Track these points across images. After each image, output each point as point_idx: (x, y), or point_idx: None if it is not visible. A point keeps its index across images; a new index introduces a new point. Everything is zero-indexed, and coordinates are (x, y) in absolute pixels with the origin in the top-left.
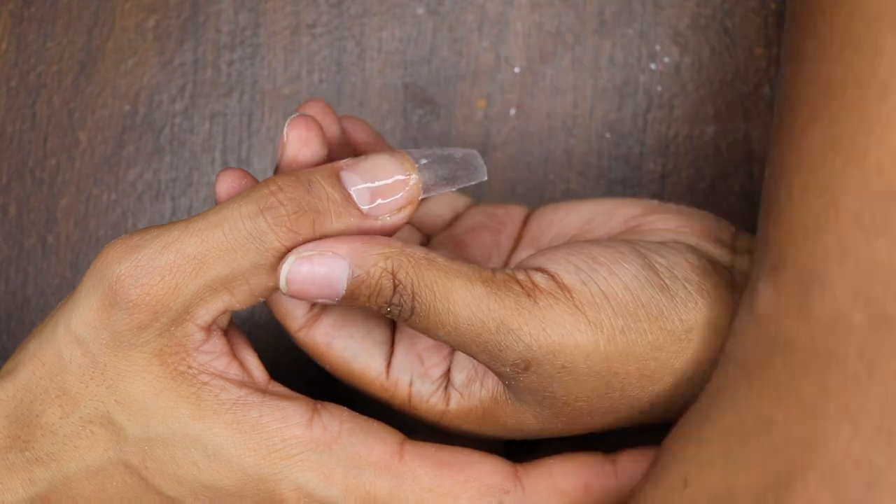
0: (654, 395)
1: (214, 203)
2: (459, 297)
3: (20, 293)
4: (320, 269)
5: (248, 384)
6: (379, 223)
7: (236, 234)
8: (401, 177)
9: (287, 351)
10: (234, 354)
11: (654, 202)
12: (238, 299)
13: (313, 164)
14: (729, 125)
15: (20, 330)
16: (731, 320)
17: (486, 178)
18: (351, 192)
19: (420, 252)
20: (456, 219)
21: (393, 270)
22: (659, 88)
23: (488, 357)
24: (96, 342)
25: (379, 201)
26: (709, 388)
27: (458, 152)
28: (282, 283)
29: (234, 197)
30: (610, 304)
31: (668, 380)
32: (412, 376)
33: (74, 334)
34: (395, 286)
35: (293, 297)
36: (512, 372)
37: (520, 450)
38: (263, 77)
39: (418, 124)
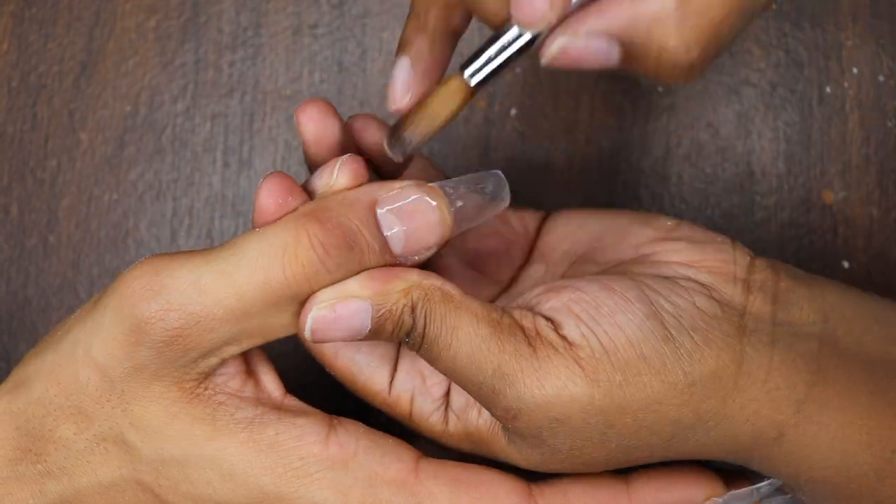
0: (651, 443)
1: (223, 205)
2: (464, 334)
3: (21, 293)
4: (343, 313)
5: (264, 402)
6: (407, 263)
7: (279, 294)
8: (436, 220)
9: (302, 364)
10: (250, 372)
11: (669, 223)
12: (269, 339)
13: (334, 145)
14: (730, 126)
15: (21, 330)
16: (737, 370)
17: (507, 205)
18: (387, 236)
19: (437, 283)
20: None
21: (413, 304)
22: (660, 89)
23: (483, 399)
24: (116, 370)
25: (412, 246)
26: None
27: (489, 184)
28: (307, 333)
29: (275, 244)
30: (610, 358)
31: (667, 430)
32: (414, 393)
33: (94, 360)
34: (414, 319)
35: (319, 342)
36: (502, 418)
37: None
38: (265, 77)
39: None
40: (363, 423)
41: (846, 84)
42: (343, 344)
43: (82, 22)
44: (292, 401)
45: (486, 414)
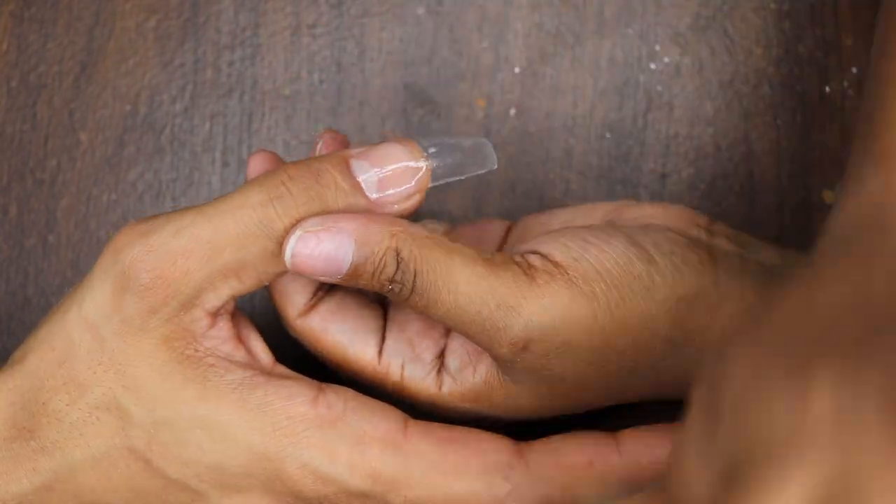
0: (646, 365)
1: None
2: (460, 274)
3: (21, 293)
4: (326, 244)
5: (254, 366)
6: (386, 211)
7: (247, 221)
8: (410, 164)
9: (290, 340)
10: (240, 339)
11: (631, 200)
12: (246, 285)
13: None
14: (729, 125)
15: (21, 330)
16: (715, 291)
17: (495, 167)
18: (360, 181)
19: (423, 232)
20: None
21: (397, 248)
22: (659, 88)
23: (487, 338)
24: (106, 327)
25: (389, 191)
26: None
27: (468, 141)
28: (287, 257)
29: (247, 183)
30: (603, 278)
31: (659, 349)
32: (404, 360)
33: (85, 318)
34: (398, 263)
35: (297, 271)
36: (510, 352)
37: (519, 431)
38: (264, 77)
39: (419, 124)
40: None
41: (846, 83)
42: (331, 317)
43: (82, 22)
44: (282, 368)
45: (481, 370)
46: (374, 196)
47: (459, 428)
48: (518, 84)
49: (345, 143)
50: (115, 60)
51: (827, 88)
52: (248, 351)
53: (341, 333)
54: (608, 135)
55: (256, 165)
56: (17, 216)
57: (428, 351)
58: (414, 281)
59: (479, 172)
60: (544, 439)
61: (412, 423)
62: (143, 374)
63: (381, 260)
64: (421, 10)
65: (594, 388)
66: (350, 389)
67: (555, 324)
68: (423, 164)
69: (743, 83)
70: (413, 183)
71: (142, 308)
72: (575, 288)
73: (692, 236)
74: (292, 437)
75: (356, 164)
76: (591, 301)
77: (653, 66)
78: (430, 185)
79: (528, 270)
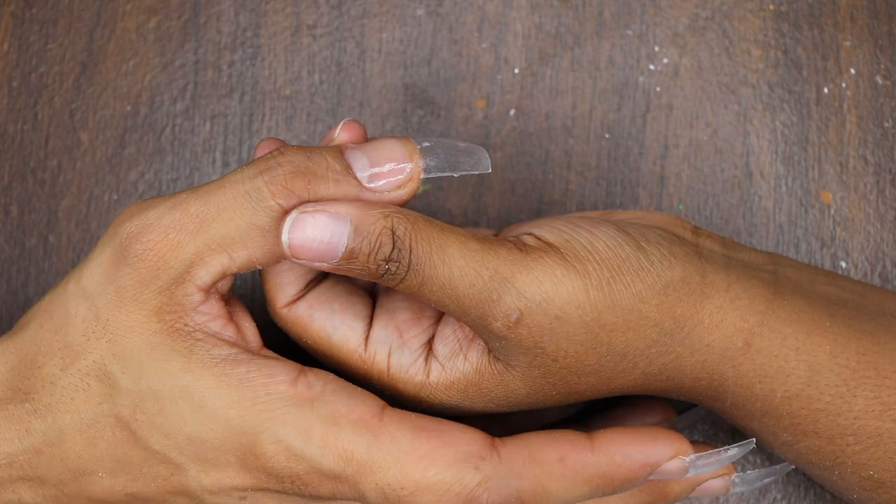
0: (636, 349)
1: None
2: (455, 249)
3: (22, 293)
4: (322, 226)
5: (241, 345)
6: (377, 197)
7: (235, 193)
8: (404, 156)
9: (282, 334)
10: (231, 318)
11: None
12: (237, 263)
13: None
14: (727, 126)
15: None
16: (702, 280)
17: (489, 171)
18: (351, 164)
19: (416, 213)
20: None
21: (392, 227)
22: (658, 89)
23: (481, 312)
24: (102, 297)
25: (381, 181)
26: None
27: (464, 143)
28: (284, 239)
29: (248, 165)
30: (594, 257)
31: (649, 333)
32: (391, 347)
33: (83, 289)
34: (394, 242)
35: (293, 255)
36: (503, 326)
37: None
38: (264, 78)
39: (418, 125)
40: None
41: (844, 84)
42: (318, 305)
43: (83, 22)
44: (267, 351)
45: (472, 357)
46: (366, 183)
47: (434, 418)
48: (517, 85)
49: (363, 136)
50: (116, 61)
51: (825, 89)
52: (238, 330)
53: (327, 320)
54: (607, 135)
55: (262, 151)
56: (18, 216)
57: (416, 339)
58: (410, 258)
59: (473, 173)
60: (517, 435)
61: (389, 409)
62: (132, 344)
63: (377, 240)
64: (421, 12)
65: (586, 374)
66: (332, 374)
67: (547, 296)
68: (416, 156)
69: (741, 84)
70: (405, 173)
71: (135, 279)
72: (568, 264)
73: (678, 234)
74: (269, 413)
75: (350, 153)
76: (583, 276)
77: (652, 66)
78: (422, 176)
79: (521, 247)
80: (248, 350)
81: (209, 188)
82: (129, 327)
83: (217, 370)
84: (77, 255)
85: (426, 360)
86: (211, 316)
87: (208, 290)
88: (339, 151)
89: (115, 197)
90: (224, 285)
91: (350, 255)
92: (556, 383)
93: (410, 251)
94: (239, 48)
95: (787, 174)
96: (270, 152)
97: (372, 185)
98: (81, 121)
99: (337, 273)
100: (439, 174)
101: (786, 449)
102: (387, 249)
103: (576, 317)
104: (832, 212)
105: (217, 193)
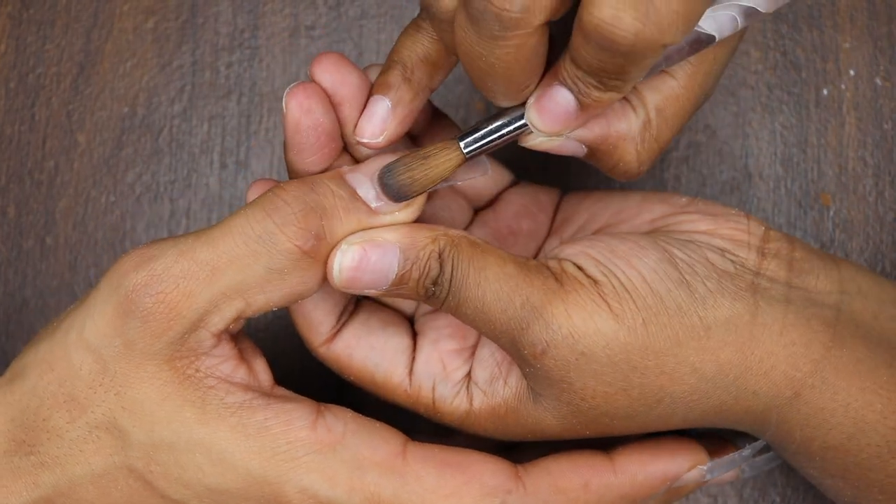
0: (673, 395)
1: (220, 207)
2: (492, 273)
3: (19, 295)
4: (372, 255)
5: (254, 388)
6: (388, 219)
7: (246, 238)
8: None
9: (294, 359)
10: (241, 359)
11: (684, 200)
12: (253, 307)
13: (319, 132)
14: (727, 127)
15: (19, 331)
16: (752, 321)
17: (489, 174)
18: (356, 187)
19: (460, 233)
20: (499, 195)
21: (440, 251)
22: None
23: (510, 339)
24: (108, 350)
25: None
26: None
27: None
28: (335, 272)
29: (244, 206)
30: (631, 296)
31: (687, 380)
32: (434, 381)
33: (86, 341)
34: (441, 265)
35: (345, 286)
36: (530, 355)
37: (514, 449)
38: (262, 79)
39: None
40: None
41: (843, 86)
42: (356, 343)
43: (80, 23)
44: (281, 390)
45: (512, 382)
46: (373, 204)
47: (458, 450)
48: None
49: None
50: (114, 62)
51: (824, 90)
52: (249, 370)
53: (368, 358)
54: None
55: (255, 193)
56: (15, 217)
57: (459, 370)
58: (451, 279)
59: (473, 178)
60: (538, 461)
61: (411, 445)
62: (142, 395)
63: (426, 264)
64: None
65: (619, 417)
66: (349, 410)
67: (575, 330)
68: None
69: (740, 85)
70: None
71: (145, 332)
72: (602, 303)
73: (740, 261)
74: (292, 462)
75: (352, 177)
76: (617, 318)
77: None
78: (427, 191)
79: (559, 276)
80: (261, 393)
81: (215, 234)
82: (138, 379)
83: (233, 420)
84: (74, 257)
85: (468, 389)
86: (222, 358)
87: (220, 334)
88: (340, 177)
89: (112, 198)
90: (235, 327)
91: (400, 281)
92: (588, 424)
93: (452, 272)
94: (237, 49)
95: (787, 176)
96: (271, 190)
97: (380, 208)
98: (79, 122)
99: (381, 297)
100: (443, 185)
101: (807, 475)
102: (435, 272)
103: (603, 356)
104: (831, 214)
105: (226, 240)
